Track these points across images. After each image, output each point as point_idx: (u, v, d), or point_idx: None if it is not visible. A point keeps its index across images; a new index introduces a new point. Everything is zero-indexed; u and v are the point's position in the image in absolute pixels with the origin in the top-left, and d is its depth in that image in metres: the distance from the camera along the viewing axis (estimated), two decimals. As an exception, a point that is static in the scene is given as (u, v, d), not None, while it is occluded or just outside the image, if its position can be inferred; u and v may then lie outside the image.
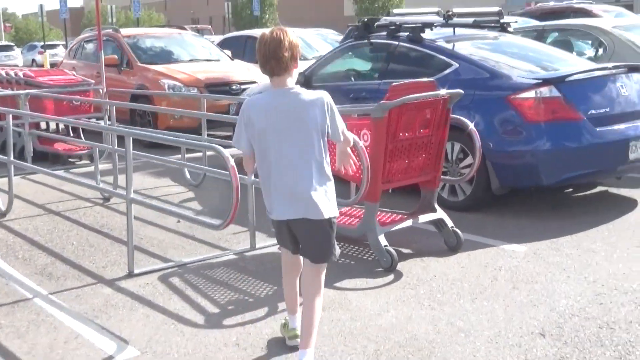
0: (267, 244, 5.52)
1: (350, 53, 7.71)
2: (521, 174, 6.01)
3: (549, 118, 5.83)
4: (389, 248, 4.86)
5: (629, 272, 4.71)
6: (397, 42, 7.03)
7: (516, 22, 8.47)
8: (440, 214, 5.25)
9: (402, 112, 4.76)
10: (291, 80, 3.26)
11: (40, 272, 5.10)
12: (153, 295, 4.58)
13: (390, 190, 5.14)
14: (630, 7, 21.75)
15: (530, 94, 5.85)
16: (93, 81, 9.48)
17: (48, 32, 66.76)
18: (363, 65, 7.78)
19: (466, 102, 5.84)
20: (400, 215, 5.30)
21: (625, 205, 6.37)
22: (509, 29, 7.48)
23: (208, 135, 7.52)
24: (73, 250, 5.61)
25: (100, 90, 9.20)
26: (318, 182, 3.25)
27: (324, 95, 3.26)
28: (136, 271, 4.97)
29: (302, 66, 8.44)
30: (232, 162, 4.00)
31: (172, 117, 10.04)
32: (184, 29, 13.37)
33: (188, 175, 7.81)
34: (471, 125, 5.10)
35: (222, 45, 13.79)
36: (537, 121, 5.82)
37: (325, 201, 3.27)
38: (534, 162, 5.85)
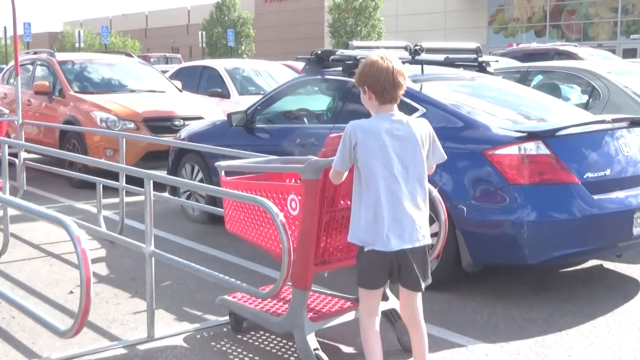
0: (170, 332, 4.27)
1: (300, 90, 6.53)
2: (499, 249, 4.80)
3: (535, 180, 4.67)
4: (319, 353, 3.62)
5: (641, 398, 3.51)
6: (354, 79, 5.83)
7: (497, 61, 7.33)
8: (393, 303, 4.02)
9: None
10: (396, 107, 3.30)
11: None
12: (-15, 417, 3.29)
13: (325, 274, 3.92)
14: (612, 52, 20.98)
15: (513, 149, 4.68)
16: (7, 111, 8.19)
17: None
18: (315, 105, 6.59)
19: (433, 156, 4.67)
20: (340, 303, 4.08)
21: (625, 288, 5.19)
22: (488, 68, 6.35)
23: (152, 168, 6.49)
24: None
25: (15, 122, 7.92)
26: (424, 208, 3.28)
27: (428, 123, 3.35)
28: (-21, 374, 3.69)
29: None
30: (82, 244, 2.75)
31: (103, 154, 8.81)
32: (131, 55, 12.14)
33: (104, 226, 6.52)
34: (435, 192, 3.88)
35: (176, 75, 12.64)
36: (520, 184, 4.65)
37: (427, 227, 3.31)
38: (516, 236, 4.64)
